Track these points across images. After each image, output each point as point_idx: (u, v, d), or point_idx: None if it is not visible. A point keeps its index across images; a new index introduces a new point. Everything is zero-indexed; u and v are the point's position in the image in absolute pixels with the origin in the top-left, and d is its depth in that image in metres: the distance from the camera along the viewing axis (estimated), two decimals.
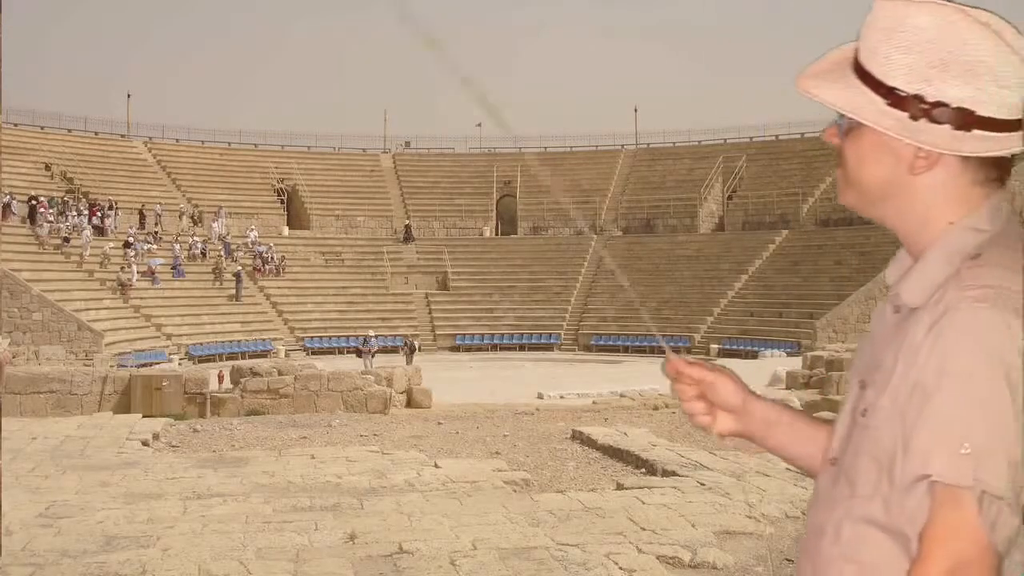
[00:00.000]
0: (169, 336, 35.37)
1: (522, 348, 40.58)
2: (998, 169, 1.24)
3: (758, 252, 42.35)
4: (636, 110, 60.08)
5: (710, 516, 8.07)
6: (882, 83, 1.23)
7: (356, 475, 10.25)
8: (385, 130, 58.15)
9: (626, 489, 9.46)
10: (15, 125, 42.92)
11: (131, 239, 38.66)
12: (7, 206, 35.44)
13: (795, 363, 24.34)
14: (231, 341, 36.75)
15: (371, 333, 35.19)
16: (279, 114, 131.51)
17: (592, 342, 40.76)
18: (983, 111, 1.19)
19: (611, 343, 39.51)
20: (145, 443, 13.12)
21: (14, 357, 23.22)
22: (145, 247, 38.92)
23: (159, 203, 42.71)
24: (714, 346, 36.99)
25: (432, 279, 45.57)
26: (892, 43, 1.22)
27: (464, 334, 42.25)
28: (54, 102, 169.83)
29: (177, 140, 51.38)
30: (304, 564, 6.72)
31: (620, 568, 6.60)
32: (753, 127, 51.17)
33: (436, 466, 10.90)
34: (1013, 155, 1.26)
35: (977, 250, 1.21)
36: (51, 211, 37.67)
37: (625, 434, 13.36)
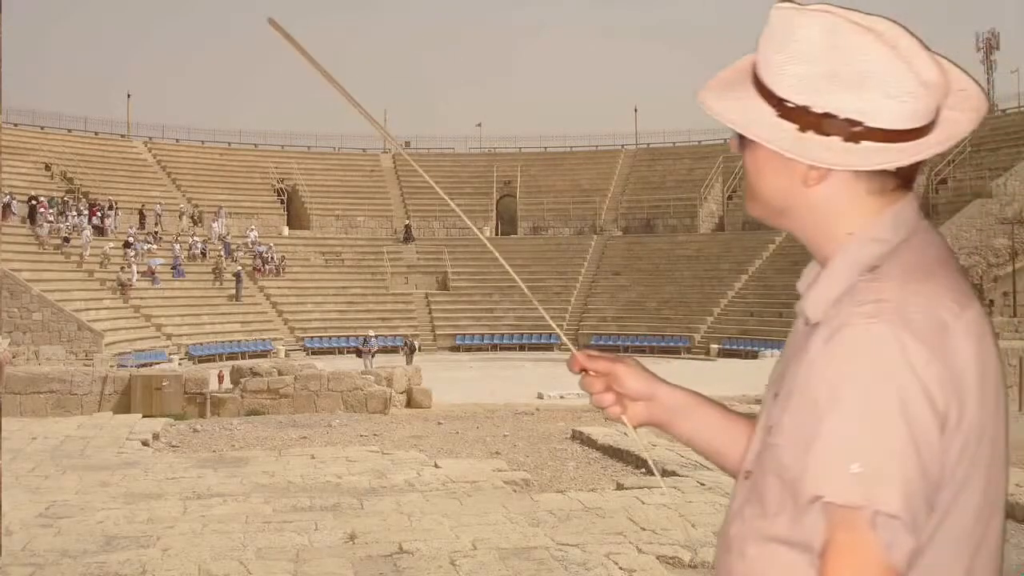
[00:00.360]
0: (169, 336, 35.38)
1: (522, 348, 40.59)
2: (897, 177, 1.21)
3: (758, 252, 42.35)
4: (636, 110, 60.23)
5: (710, 516, 8.06)
6: (773, 93, 1.20)
7: (356, 475, 10.25)
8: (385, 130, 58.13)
9: (626, 489, 9.46)
10: (15, 125, 42.92)
11: (131, 239, 38.66)
12: (7, 206, 35.43)
13: None
14: (231, 341, 36.75)
15: (371, 333, 35.20)
16: (279, 114, 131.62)
17: (592, 342, 40.72)
18: (872, 122, 1.16)
19: (611, 343, 39.50)
20: (145, 443, 13.12)
21: (14, 357, 23.22)
22: (145, 247, 38.93)
23: (159, 203, 42.71)
24: (714, 346, 36.99)
25: (432, 279, 45.58)
26: (784, 53, 1.19)
27: (464, 334, 42.25)
28: (54, 102, 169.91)
29: (177, 140, 51.40)
30: (304, 564, 6.72)
31: (620, 568, 6.60)
32: None
33: (436, 466, 10.90)
34: (921, 161, 1.23)
35: (877, 261, 1.18)
36: (51, 211, 37.68)
37: (625, 434, 13.35)
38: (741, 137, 1.26)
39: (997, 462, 1.17)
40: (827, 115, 1.17)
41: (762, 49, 1.22)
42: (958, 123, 1.22)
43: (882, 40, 1.15)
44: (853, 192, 1.21)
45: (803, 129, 1.18)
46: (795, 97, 1.19)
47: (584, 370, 1.48)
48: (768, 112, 1.21)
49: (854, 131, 1.16)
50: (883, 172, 1.19)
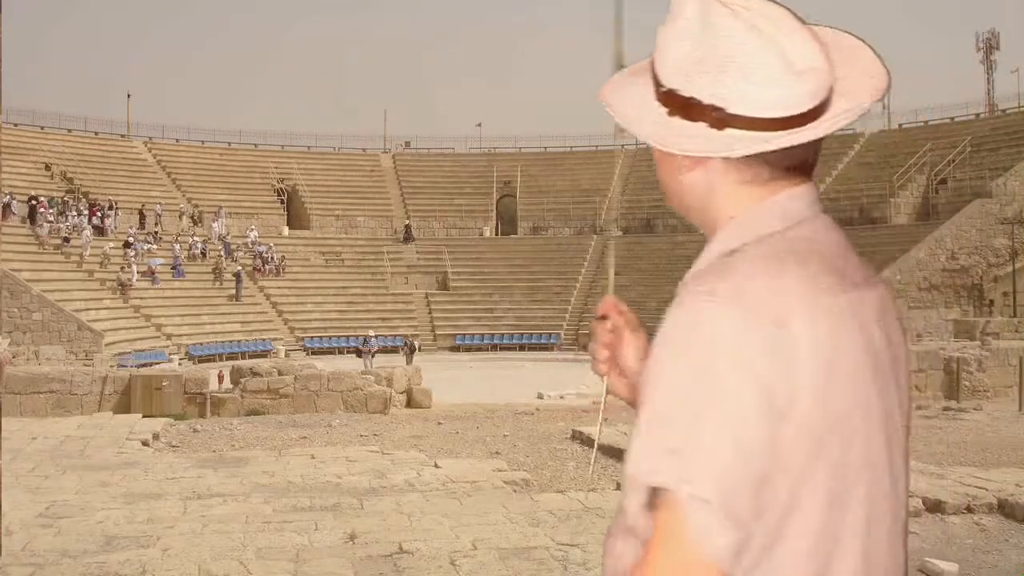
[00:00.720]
0: (169, 336, 35.37)
1: (522, 348, 40.58)
2: (774, 166, 1.16)
3: None
4: None
5: None
6: (656, 77, 1.18)
7: (356, 475, 10.24)
8: (385, 130, 58.19)
9: None
10: (15, 125, 42.93)
11: (131, 239, 38.66)
12: (7, 206, 35.44)
13: None
14: (231, 341, 36.74)
15: (371, 333, 35.20)
16: (279, 114, 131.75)
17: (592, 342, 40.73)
18: (734, 109, 1.11)
19: None
20: (145, 443, 13.12)
21: (14, 357, 23.22)
22: (145, 247, 38.93)
23: (159, 203, 42.71)
24: None
25: (432, 279, 45.57)
26: (668, 35, 1.16)
27: (464, 334, 42.24)
28: (54, 102, 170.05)
29: (177, 140, 51.40)
30: (304, 564, 6.72)
31: None
32: None
33: (436, 466, 10.89)
34: (816, 151, 1.18)
35: (739, 246, 1.14)
36: (51, 211, 37.67)
37: (625, 434, 13.35)
38: None
39: (856, 459, 1.10)
40: (692, 100, 1.14)
41: (659, 32, 1.20)
42: (851, 105, 1.16)
43: (748, 23, 1.11)
44: (725, 181, 1.18)
45: (671, 114, 1.16)
46: (667, 80, 1.16)
47: (605, 316, 1.43)
48: (649, 96, 1.19)
49: (717, 117, 1.13)
50: (756, 161, 1.15)
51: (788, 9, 1.15)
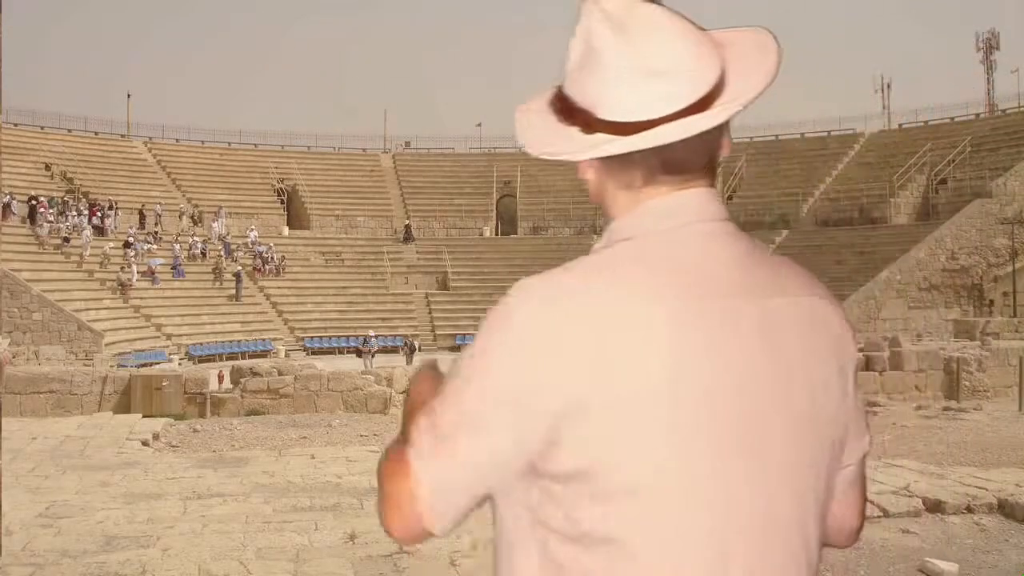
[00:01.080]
0: (169, 336, 35.37)
1: None
2: (645, 172, 1.15)
3: None
4: None
5: None
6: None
7: (356, 475, 10.24)
8: (385, 130, 58.22)
9: None
10: (15, 125, 42.93)
11: (131, 239, 38.66)
12: (7, 206, 35.45)
13: None
14: (231, 341, 36.74)
15: (371, 333, 35.20)
16: (279, 114, 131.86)
17: None
18: (601, 113, 1.12)
19: None
20: (145, 443, 13.12)
21: (14, 357, 23.22)
22: (145, 247, 38.93)
23: (159, 203, 42.72)
24: None
25: (432, 279, 45.57)
26: (571, 41, 1.16)
27: (464, 334, 42.18)
28: (54, 102, 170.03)
29: (177, 140, 51.40)
30: (304, 564, 6.72)
31: None
32: (753, 127, 51.18)
33: None
34: (702, 153, 1.15)
35: (599, 248, 1.16)
36: (51, 211, 37.68)
37: None
38: None
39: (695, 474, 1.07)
40: (571, 104, 1.15)
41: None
42: (721, 108, 1.13)
43: (617, 26, 1.11)
44: (608, 186, 1.19)
45: (559, 119, 1.16)
46: (563, 84, 1.17)
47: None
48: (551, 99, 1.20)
49: (586, 121, 1.13)
50: (628, 166, 1.14)
51: (673, 11, 1.14)
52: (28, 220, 36.61)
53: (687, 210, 1.15)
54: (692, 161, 1.15)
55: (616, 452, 1.05)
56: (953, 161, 42.24)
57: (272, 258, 42.69)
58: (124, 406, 17.08)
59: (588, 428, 1.05)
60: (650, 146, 1.11)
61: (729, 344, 1.09)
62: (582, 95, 1.13)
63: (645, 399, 1.05)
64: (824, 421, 1.16)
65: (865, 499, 1.33)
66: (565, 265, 1.13)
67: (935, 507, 8.15)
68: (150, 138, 50.24)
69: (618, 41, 1.10)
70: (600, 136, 1.12)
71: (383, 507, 1.15)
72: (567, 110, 1.15)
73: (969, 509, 8.16)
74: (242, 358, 31.48)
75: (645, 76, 1.10)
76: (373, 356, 32.05)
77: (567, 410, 1.05)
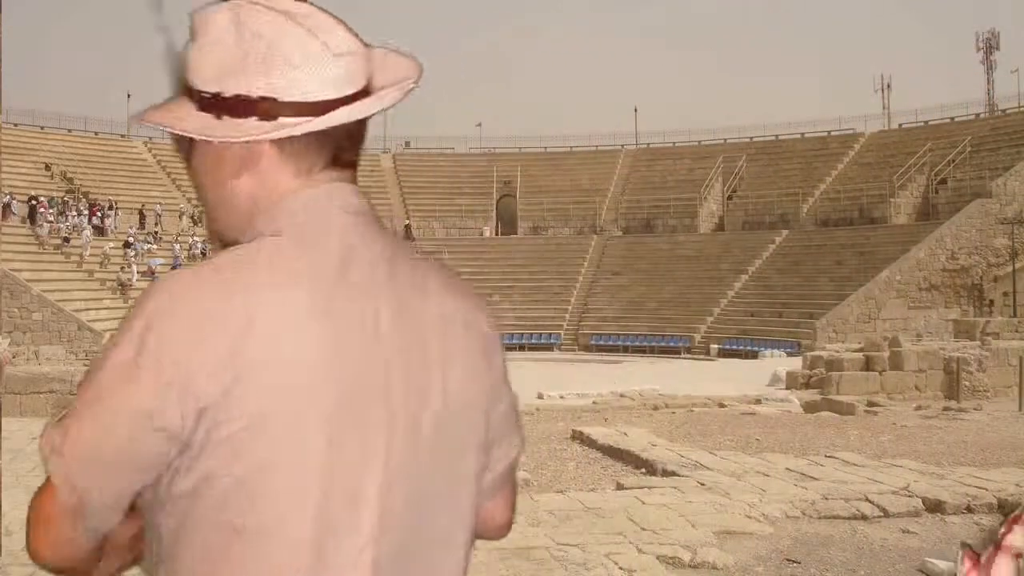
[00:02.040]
0: None
1: (522, 348, 40.56)
2: (319, 159, 1.17)
3: (758, 252, 42.36)
4: (636, 110, 60.31)
5: (710, 516, 8.07)
6: (192, 89, 1.18)
7: None
8: (385, 130, 58.08)
9: (626, 489, 9.46)
10: (15, 125, 42.95)
11: (131, 239, 38.70)
12: (7, 206, 35.46)
13: (795, 363, 24.34)
14: None
15: None
16: None
17: (592, 342, 40.74)
18: (285, 96, 1.14)
19: (611, 343, 39.50)
20: None
21: (14, 357, 23.23)
22: (145, 247, 38.97)
23: (159, 203, 42.75)
24: (714, 346, 36.98)
25: None
26: (198, 47, 1.18)
27: None
28: (54, 102, 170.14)
29: None
30: None
31: (620, 568, 6.60)
32: (753, 127, 51.35)
33: None
34: (348, 145, 1.19)
35: (249, 241, 1.16)
36: (51, 211, 37.71)
37: (625, 434, 13.35)
38: (188, 145, 1.22)
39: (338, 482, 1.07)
40: (239, 97, 1.15)
41: (188, 56, 1.21)
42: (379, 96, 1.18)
43: (285, 16, 1.15)
44: (265, 189, 1.19)
45: (218, 117, 1.16)
46: (205, 86, 1.17)
47: None
48: (191, 108, 1.19)
49: (266, 109, 1.14)
50: (305, 154, 1.17)
51: (318, 6, 1.18)
52: (28, 220, 36.64)
53: (336, 203, 1.17)
54: (353, 152, 1.21)
55: (243, 440, 1.06)
56: (953, 161, 42.26)
57: None
58: None
59: (217, 419, 1.06)
60: (337, 124, 1.15)
61: (364, 340, 1.10)
62: (256, 85, 1.14)
63: (275, 393, 1.06)
64: (467, 422, 1.17)
65: (515, 494, 1.34)
66: (212, 259, 1.15)
67: (935, 507, 8.16)
68: (150, 138, 50.23)
69: (299, 28, 1.14)
70: (286, 120, 1.14)
71: (29, 536, 1.20)
72: (232, 107, 1.16)
73: (969, 509, 8.16)
74: None
75: (329, 57, 1.14)
76: None
77: (185, 396, 1.07)
